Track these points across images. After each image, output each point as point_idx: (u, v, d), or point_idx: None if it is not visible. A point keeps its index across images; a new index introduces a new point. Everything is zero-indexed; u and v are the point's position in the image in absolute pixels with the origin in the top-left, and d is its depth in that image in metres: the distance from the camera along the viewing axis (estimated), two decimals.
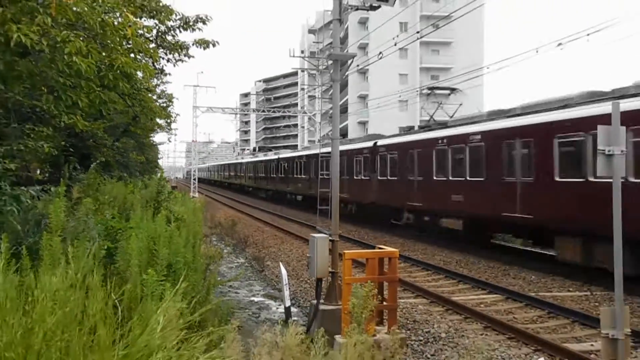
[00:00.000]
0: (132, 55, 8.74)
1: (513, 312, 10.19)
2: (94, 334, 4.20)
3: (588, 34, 14.35)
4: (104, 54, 7.62)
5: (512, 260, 15.16)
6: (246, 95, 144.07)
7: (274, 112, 61.01)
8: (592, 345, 8.06)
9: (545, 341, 8.03)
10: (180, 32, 12.00)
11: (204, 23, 11.84)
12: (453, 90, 23.17)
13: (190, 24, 11.71)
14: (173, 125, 32.22)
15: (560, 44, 15.23)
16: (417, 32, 24.19)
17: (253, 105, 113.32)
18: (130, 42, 8.23)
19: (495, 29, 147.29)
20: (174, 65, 12.82)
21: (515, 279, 13.21)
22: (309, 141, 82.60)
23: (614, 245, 5.72)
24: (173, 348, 4.74)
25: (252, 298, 12.30)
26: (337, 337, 7.58)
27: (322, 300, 9.19)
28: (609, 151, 5.82)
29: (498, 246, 17.18)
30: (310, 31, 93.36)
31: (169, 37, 11.95)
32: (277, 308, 11.31)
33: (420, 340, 8.39)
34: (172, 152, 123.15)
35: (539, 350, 7.81)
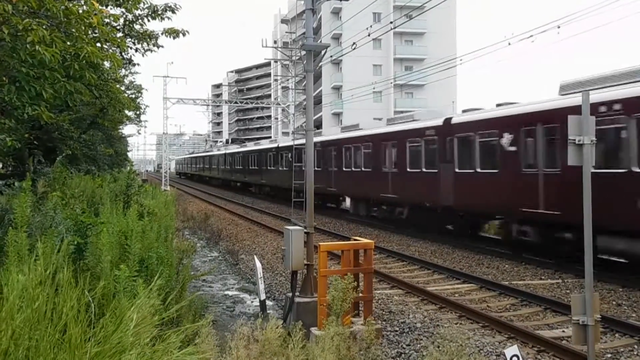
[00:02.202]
0: (98, 44, 8.45)
1: (487, 301, 10.31)
2: (65, 331, 4.08)
3: (558, 26, 14.54)
4: (68, 43, 7.34)
5: (485, 250, 15.35)
6: (218, 86, 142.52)
7: (246, 103, 60.40)
8: (563, 331, 8.21)
9: (518, 329, 8.14)
10: (148, 21, 11.68)
11: (173, 12, 11.57)
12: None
13: (159, 12, 11.42)
14: (142, 117, 31.67)
15: (531, 36, 15.41)
16: (391, 23, 24.22)
17: (225, 97, 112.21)
18: (96, 31, 7.97)
19: (468, 21, 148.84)
20: (143, 55, 12.52)
21: (488, 268, 13.38)
22: (283, 133, 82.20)
23: (584, 234, 5.79)
24: (147, 345, 4.64)
25: (227, 292, 12.19)
26: (313, 329, 7.56)
27: (297, 293, 9.14)
28: (579, 141, 5.87)
29: (471, 236, 17.35)
30: (283, 21, 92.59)
31: (137, 26, 11.62)
32: (252, 301, 11.22)
33: (396, 331, 8.41)
34: (142, 145, 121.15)
35: (512, 337, 7.92)
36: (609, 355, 7.22)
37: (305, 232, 9.29)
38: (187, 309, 6.91)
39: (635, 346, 7.55)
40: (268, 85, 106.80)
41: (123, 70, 19.00)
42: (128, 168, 14.02)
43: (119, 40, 9.84)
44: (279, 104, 58.08)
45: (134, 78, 24.59)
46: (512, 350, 5.68)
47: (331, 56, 40.50)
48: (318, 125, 58.95)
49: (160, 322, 5.48)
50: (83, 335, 4.13)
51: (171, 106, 47.58)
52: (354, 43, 20.32)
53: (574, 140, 5.89)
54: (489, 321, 8.67)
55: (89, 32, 8.05)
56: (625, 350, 7.42)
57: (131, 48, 12.33)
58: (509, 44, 17.47)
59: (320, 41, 39.91)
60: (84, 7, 7.65)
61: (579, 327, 5.63)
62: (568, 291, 10.71)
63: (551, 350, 7.28)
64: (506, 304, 10.03)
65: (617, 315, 9.03)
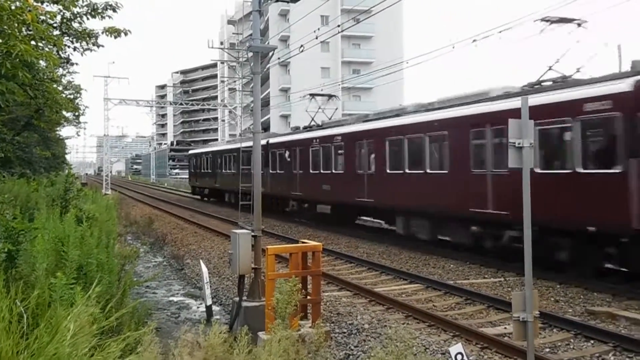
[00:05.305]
0: (33, 42, 8.06)
1: (433, 301, 10.51)
2: None
3: (500, 32, 15.02)
4: (0, 40, 6.97)
5: (432, 250, 15.62)
6: (162, 87, 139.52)
7: (192, 105, 59.35)
8: (505, 328, 8.47)
9: (463, 327, 8.33)
10: (88, 19, 11.32)
11: (114, 10, 11.25)
12: (331, 96, 27.27)
13: (99, 11, 11.06)
14: (82, 119, 30.43)
15: (474, 41, 15.89)
16: (338, 26, 24.44)
17: (170, 98, 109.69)
18: (31, 28, 7.60)
19: (414, 26, 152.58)
20: (82, 55, 12.07)
21: (435, 268, 13.65)
22: (230, 135, 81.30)
23: (524, 233, 5.99)
24: (85, 355, 4.46)
25: (171, 298, 11.89)
26: (261, 334, 7.47)
27: (244, 297, 9.01)
28: (518, 144, 6.07)
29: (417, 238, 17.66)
30: (230, 22, 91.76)
31: (75, 25, 11.21)
32: (198, 307, 10.99)
33: (344, 333, 8.43)
34: (82, 147, 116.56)
35: (457, 335, 8.09)
36: (548, 350, 7.49)
37: (252, 236, 9.19)
38: (129, 317, 6.67)
39: (572, 340, 7.88)
40: (214, 87, 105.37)
41: (61, 70, 18.21)
42: (66, 171, 13.46)
43: (55, 38, 9.48)
44: (226, 106, 57.39)
45: (72, 78, 23.56)
46: (456, 348, 5.80)
47: (279, 58, 40.43)
48: (266, 127, 58.67)
49: (100, 331, 5.27)
50: (15, 348, 3.93)
51: (112, 107, 46.03)
52: (301, 45, 20.34)
53: (514, 143, 6.09)
54: (434, 320, 8.83)
55: (23, 30, 7.67)
56: (562, 344, 7.73)
57: (69, 47, 11.90)
58: (453, 47, 17.93)
59: (268, 43, 39.68)
60: (17, 2, 7.28)
61: (519, 323, 5.80)
62: (510, 289, 11.06)
63: (494, 347, 7.49)
64: (451, 303, 10.25)
65: (555, 311, 9.40)
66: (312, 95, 26.09)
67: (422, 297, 10.77)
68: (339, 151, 20.33)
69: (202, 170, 39.63)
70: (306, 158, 22.85)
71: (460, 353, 5.72)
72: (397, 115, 17.70)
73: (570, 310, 9.47)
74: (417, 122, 15.92)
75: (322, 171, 21.51)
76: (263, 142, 27.58)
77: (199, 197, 41.64)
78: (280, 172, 25.43)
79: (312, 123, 25.04)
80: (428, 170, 15.34)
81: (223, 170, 34.09)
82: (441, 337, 8.11)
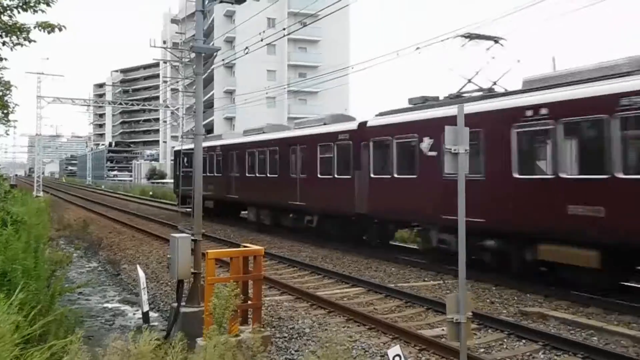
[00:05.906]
0: None
1: (374, 304, 10.60)
2: None
3: (442, 40, 15.30)
4: None
5: (374, 254, 15.76)
6: (101, 85, 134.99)
7: (132, 105, 57.59)
8: (442, 329, 8.64)
9: (402, 329, 8.43)
10: (19, 12, 10.74)
11: (47, 5, 10.73)
12: (498, 40, 13.94)
13: (31, 4, 10.53)
14: (12, 117, 28.61)
15: (418, 48, 16.19)
16: (284, 29, 24.35)
17: (109, 97, 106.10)
18: None
19: (361, 31, 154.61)
20: (11, 50, 11.42)
21: (376, 271, 13.80)
22: (172, 137, 79.54)
23: (458, 236, 6.14)
24: None
25: (106, 304, 11.44)
26: (199, 340, 7.29)
27: (183, 303, 8.78)
28: (454, 150, 6.20)
29: (360, 240, 17.80)
30: (173, 21, 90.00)
31: (5, 18, 10.62)
32: (135, 314, 10.63)
33: (285, 337, 8.37)
34: (12, 147, 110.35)
35: (397, 338, 8.18)
36: (482, 350, 7.71)
37: (192, 240, 8.98)
38: (56, 325, 6.36)
39: (505, 340, 8.14)
40: (156, 87, 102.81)
41: None
42: None
43: None
44: (168, 107, 56.14)
45: (1, 74, 22.23)
46: (394, 350, 5.86)
47: (224, 60, 40.01)
48: (209, 129, 57.77)
49: (24, 340, 4.99)
50: None
51: (46, 105, 44.01)
52: (246, 47, 20.11)
53: (450, 149, 6.22)
54: (374, 323, 8.90)
55: None
56: (496, 344, 7.97)
57: None
58: (397, 54, 18.18)
59: (213, 44, 39.01)
60: None
61: (453, 324, 5.94)
62: (448, 291, 11.32)
63: (431, 348, 7.63)
64: (392, 306, 10.39)
65: (490, 312, 9.69)
66: (468, 36, 13.95)
67: (364, 301, 10.86)
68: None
69: (204, 174, 20.24)
70: (500, 152, 11.58)
71: (398, 355, 5.79)
72: None
73: (504, 311, 9.80)
74: None
75: (571, 175, 10.38)
76: (349, 125, 17.25)
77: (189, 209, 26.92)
78: (399, 176, 14.55)
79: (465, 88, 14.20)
80: None
81: (248, 174, 23.40)
82: (381, 340, 8.19)
